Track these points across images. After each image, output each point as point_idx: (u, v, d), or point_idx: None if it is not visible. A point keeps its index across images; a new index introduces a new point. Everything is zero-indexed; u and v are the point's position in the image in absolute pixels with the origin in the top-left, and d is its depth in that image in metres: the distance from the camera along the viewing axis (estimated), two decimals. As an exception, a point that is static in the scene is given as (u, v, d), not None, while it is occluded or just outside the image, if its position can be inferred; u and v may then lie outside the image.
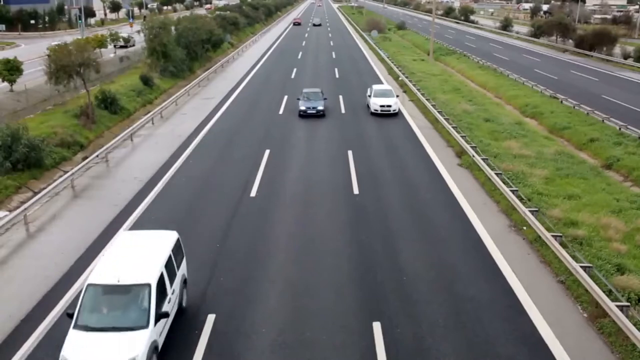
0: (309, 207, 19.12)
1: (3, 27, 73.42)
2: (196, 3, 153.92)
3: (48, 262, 15.44)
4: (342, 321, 12.67)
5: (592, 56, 64.51)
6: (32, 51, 49.89)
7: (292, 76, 46.57)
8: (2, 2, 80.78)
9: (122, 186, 21.29)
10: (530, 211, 17.49)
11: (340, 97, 37.64)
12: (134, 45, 56.45)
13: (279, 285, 14.16)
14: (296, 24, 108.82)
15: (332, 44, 73.03)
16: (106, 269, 11.22)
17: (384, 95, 33.34)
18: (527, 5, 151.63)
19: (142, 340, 10.14)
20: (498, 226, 17.96)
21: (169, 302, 11.41)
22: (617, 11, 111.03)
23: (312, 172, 22.68)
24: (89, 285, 10.88)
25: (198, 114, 33.33)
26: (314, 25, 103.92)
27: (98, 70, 30.63)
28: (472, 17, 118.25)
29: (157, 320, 10.66)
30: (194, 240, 16.54)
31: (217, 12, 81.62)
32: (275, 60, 57.36)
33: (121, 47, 55.52)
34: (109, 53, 50.02)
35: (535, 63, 58.72)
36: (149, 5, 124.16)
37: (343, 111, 33.57)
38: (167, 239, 12.64)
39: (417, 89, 38.78)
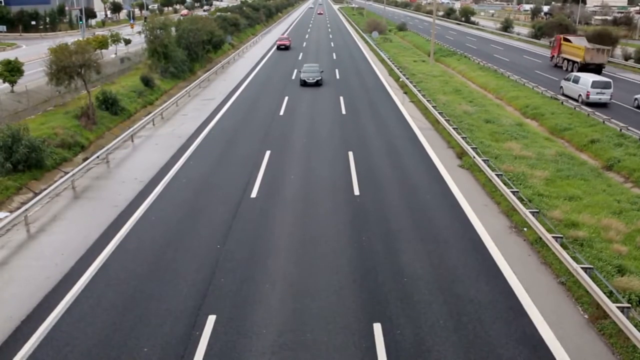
0: (309, 207, 19.11)
1: (4, 28, 73.52)
2: (197, 4, 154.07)
3: (48, 263, 15.45)
4: (343, 322, 12.66)
5: (592, 57, 64.37)
6: (33, 52, 49.96)
7: (293, 77, 46.58)
8: (2, 3, 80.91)
9: (123, 187, 21.31)
10: (530, 212, 17.49)
11: (341, 98, 37.65)
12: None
13: (280, 286, 14.16)
14: (281, 47, 67.58)
15: (332, 45, 73.08)
16: None
17: None
18: (527, 7, 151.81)
19: None
20: (499, 227, 17.95)
21: None
22: (618, 12, 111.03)
23: (313, 172, 22.68)
24: None
25: (199, 114, 33.35)
26: (305, 82, 42.31)
27: (99, 71, 30.66)
28: (472, 19, 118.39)
29: None
30: (195, 241, 16.56)
31: (218, 13, 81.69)
32: (275, 61, 57.41)
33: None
34: (109, 54, 50.05)
35: (536, 64, 58.71)
36: (149, 7, 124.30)
37: (344, 112, 33.58)
38: None
39: (418, 90, 38.79)
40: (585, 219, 17.80)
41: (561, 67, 54.90)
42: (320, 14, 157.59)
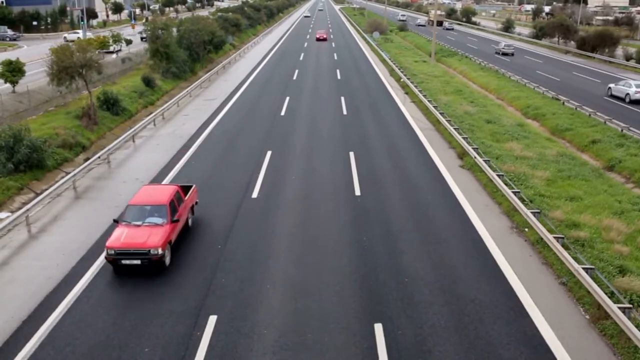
0: (310, 208, 19.11)
1: (5, 28, 73.59)
2: (198, 5, 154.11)
3: (50, 263, 15.46)
4: (344, 322, 12.67)
5: (594, 57, 64.46)
6: (34, 52, 49.98)
7: (294, 77, 46.60)
8: (4, 4, 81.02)
9: (124, 187, 21.31)
10: (532, 213, 17.47)
11: (342, 98, 37.67)
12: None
13: (281, 287, 14.17)
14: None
15: (333, 45, 73.08)
16: None
17: None
18: (528, 7, 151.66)
19: None
20: (500, 228, 17.94)
21: None
22: (619, 12, 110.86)
23: (314, 173, 22.68)
24: None
25: (200, 115, 33.36)
26: None
27: (100, 71, 30.69)
28: (473, 19, 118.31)
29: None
30: (196, 241, 16.57)
31: (219, 14, 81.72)
32: (276, 61, 57.40)
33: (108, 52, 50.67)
34: (110, 54, 50.04)
35: (537, 64, 58.70)
36: (150, 7, 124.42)
37: (345, 112, 33.58)
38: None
39: (419, 91, 38.78)
40: (587, 220, 17.79)
41: (427, 24, 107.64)
42: (321, 39, 79.05)
